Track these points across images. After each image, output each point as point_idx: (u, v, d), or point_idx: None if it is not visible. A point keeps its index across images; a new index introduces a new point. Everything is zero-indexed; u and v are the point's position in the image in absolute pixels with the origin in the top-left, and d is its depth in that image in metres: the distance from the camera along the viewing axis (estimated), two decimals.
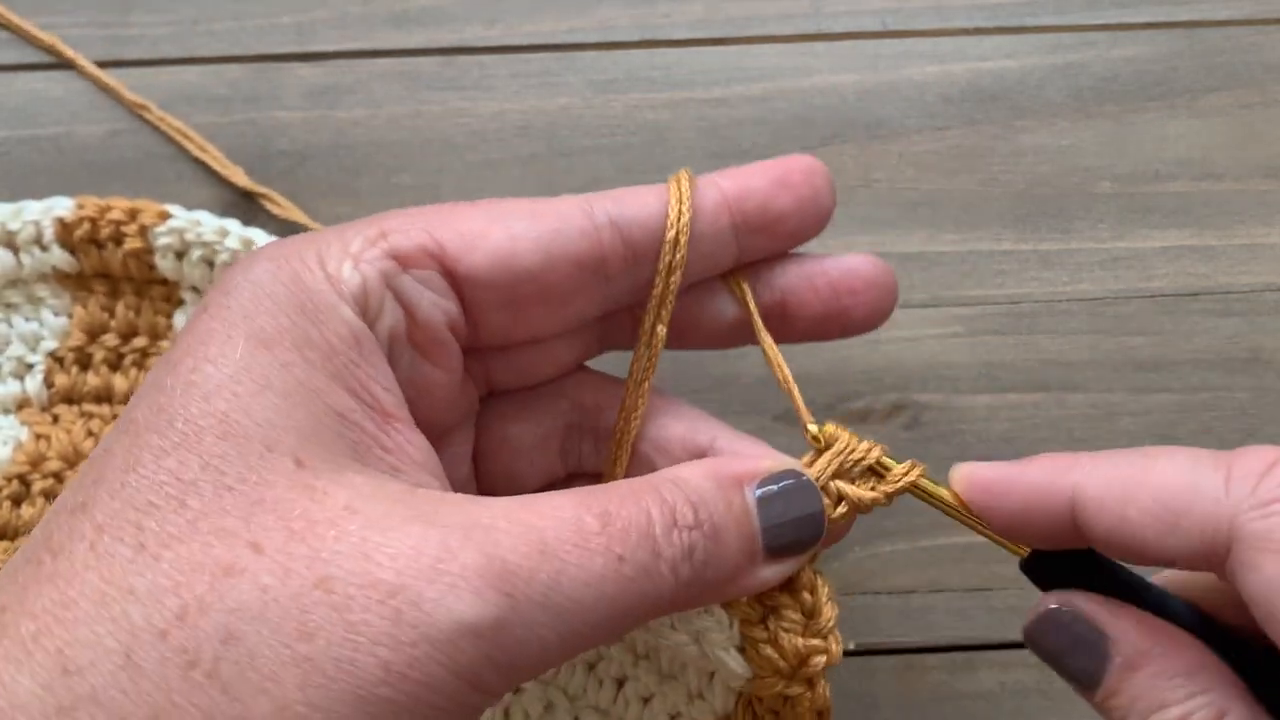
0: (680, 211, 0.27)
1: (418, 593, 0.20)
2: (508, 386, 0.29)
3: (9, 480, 0.34)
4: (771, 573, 0.26)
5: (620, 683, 0.32)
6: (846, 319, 0.29)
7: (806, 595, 0.27)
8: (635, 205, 0.27)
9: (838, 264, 0.29)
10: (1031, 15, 0.41)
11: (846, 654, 0.35)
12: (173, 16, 0.41)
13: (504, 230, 0.25)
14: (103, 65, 0.40)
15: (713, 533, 0.24)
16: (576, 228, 0.26)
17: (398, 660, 0.20)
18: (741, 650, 0.27)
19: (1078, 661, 0.25)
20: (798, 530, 0.25)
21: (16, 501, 0.34)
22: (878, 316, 0.29)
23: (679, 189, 0.27)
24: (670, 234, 0.27)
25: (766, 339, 0.29)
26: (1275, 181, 0.40)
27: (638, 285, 0.27)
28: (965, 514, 0.26)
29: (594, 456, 0.29)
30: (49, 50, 0.40)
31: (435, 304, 0.25)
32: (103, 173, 0.39)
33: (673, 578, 0.23)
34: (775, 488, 0.25)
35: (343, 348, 0.24)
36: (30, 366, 0.35)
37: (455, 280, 0.25)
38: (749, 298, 0.29)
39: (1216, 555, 0.23)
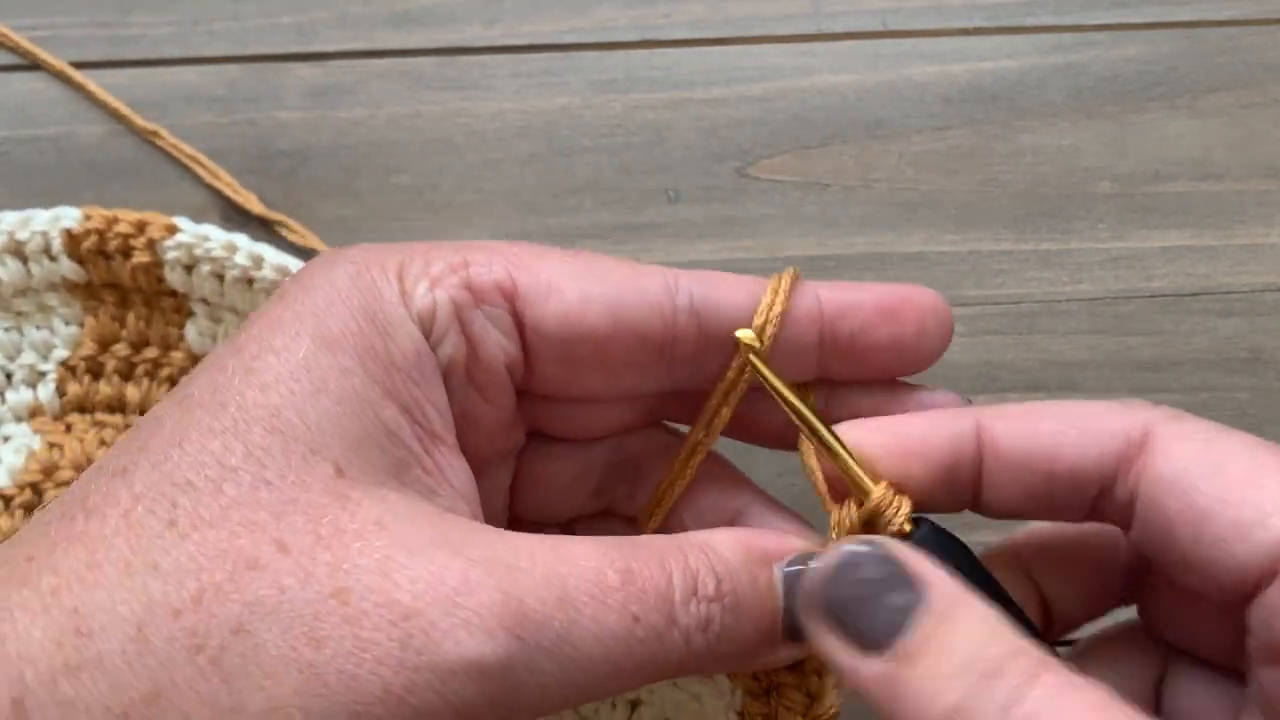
0: (773, 303, 0.26)
1: (430, 621, 0.20)
2: (554, 434, 0.28)
3: (22, 489, 0.34)
4: (788, 654, 0.25)
5: (634, 705, 0.32)
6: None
7: (815, 678, 0.26)
8: (723, 292, 0.26)
9: (920, 398, 0.27)
10: (1031, 15, 0.41)
11: None
12: (173, 17, 0.41)
13: (579, 289, 0.25)
14: (103, 66, 0.40)
15: (733, 606, 0.24)
16: (652, 304, 0.25)
17: (398, 683, 0.20)
18: (740, 716, 0.27)
19: (881, 606, 0.22)
20: None
21: (29, 509, 0.34)
22: None
23: (779, 284, 0.26)
24: (758, 320, 0.26)
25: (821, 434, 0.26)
26: (1275, 182, 0.40)
27: (705, 372, 0.27)
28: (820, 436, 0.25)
29: (628, 501, 0.29)
30: (51, 67, 0.40)
31: (498, 343, 0.25)
32: (103, 173, 0.39)
33: (684, 645, 0.23)
34: (803, 569, 0.24)
35: (404, 364, 0.24)
36: (42, 375, 0.35)
37: (521, 325, 0.25)
38: (815, 421, 0.26)
39: (1131, 452, 0.24)
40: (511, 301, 0.25)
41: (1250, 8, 0.41)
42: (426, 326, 0.24)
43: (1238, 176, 0.40)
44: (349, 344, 0.23)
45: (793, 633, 0.24)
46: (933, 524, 0.25)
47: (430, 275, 0.25)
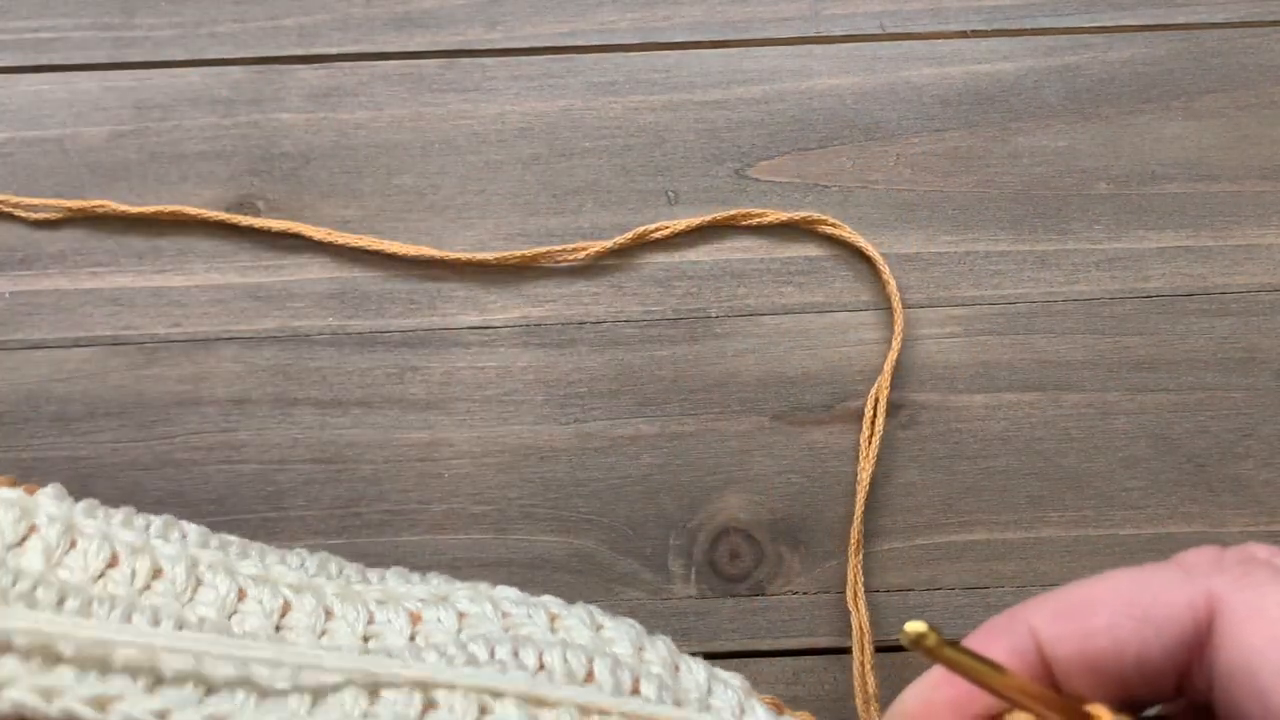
0: None
1: None
2: None
3: None
4: None
5: None
6: None
7: None
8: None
9: None
10: (1029, 18, 0.41)
11: (843, 651, 0.36)
12: (176, 19, 0.41)
13: None
14: (107, 68, 0.40)
15: None
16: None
17: None
18: None
19: None
20: None
21: None
22: None
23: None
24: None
25: None
26: (1271, 183, 0.40)
27: None
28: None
29: None
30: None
31: None
32: (106, 174, 0.39)
33: None
34: None
35: None
36: None
37: None
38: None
39: (1200, 637, 0.21)
40: None
41: (1245, 10, 0.41)
42: None
43: (1233, 178, 0.40)
44: None
45: None
46: None
47: None
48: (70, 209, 0.39)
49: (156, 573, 0.25)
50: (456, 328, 0.38)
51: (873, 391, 0.37)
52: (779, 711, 0.26)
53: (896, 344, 0.37)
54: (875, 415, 0.37)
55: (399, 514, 0.37)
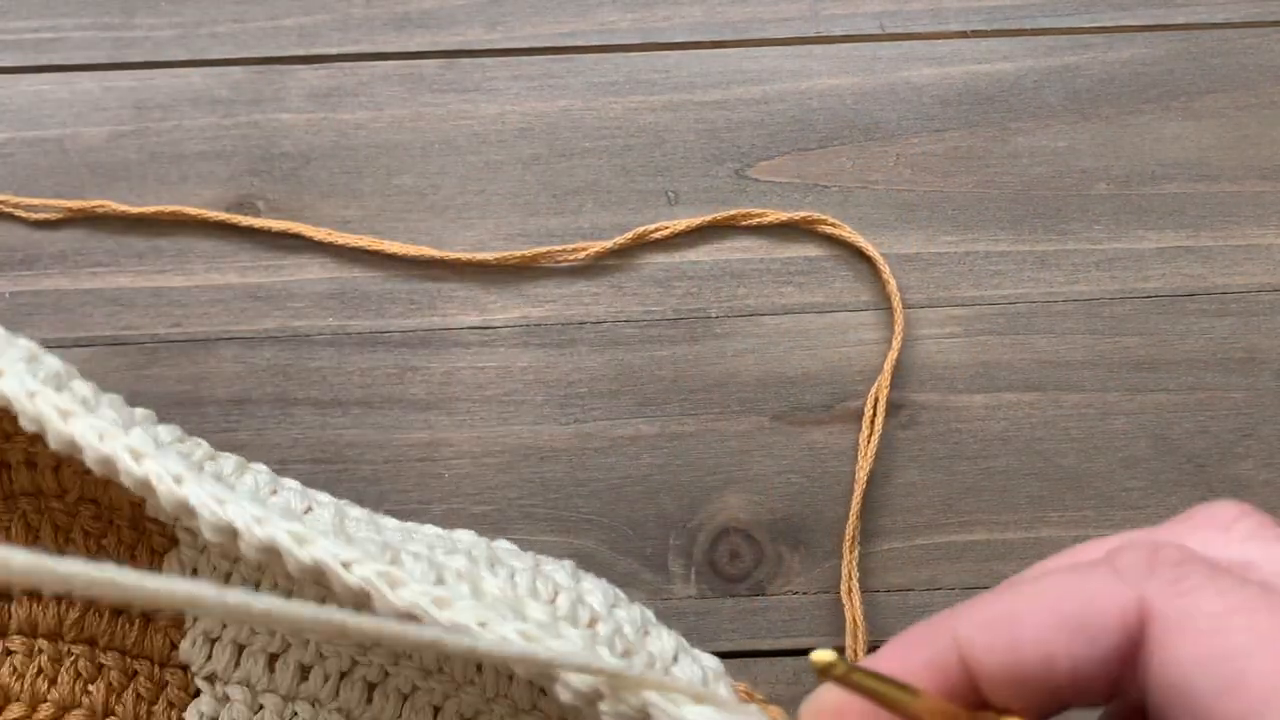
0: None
1: None
2: None
3: None
4: None
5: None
6: None
7: None
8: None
9: None
10: (1028, 18, 0.41)
11: (843, 650, 0.36)
12: (176, 19, 0.41)
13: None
14: (107, 68, 0.40)
15: None
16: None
17: None
18: None
19: None
20: None
21: None
22: None
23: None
24: None
25: None
26: (1270, 183, 0.40)
27: None
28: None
29: None
30: None
31: None
32: (106, 174, 0.39)
33: None
34: None
35: None
36: None
37: None
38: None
39: (1133, 645, 0.20)
40: None
41: (1245, 10, 0.41)
42: None
43: (1233, 178, 0.40)
44: None
45: None
46: None
47: None
48: (70, 209, 0.39)
49: (243, 470, 0.28)
50: (456, 328, 0.38)
51: (872, 391, 0.37)
52: (748, 699, 0.25)
53: (896, 344, 0.37)
54: (875, 415, 0.37)
55: (399, 514, 0.37)
